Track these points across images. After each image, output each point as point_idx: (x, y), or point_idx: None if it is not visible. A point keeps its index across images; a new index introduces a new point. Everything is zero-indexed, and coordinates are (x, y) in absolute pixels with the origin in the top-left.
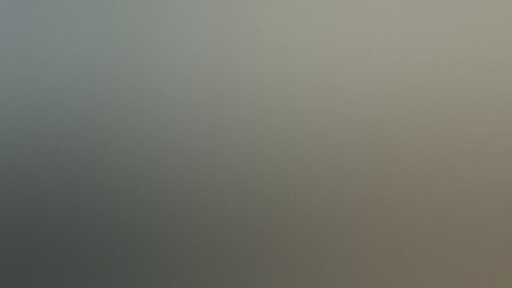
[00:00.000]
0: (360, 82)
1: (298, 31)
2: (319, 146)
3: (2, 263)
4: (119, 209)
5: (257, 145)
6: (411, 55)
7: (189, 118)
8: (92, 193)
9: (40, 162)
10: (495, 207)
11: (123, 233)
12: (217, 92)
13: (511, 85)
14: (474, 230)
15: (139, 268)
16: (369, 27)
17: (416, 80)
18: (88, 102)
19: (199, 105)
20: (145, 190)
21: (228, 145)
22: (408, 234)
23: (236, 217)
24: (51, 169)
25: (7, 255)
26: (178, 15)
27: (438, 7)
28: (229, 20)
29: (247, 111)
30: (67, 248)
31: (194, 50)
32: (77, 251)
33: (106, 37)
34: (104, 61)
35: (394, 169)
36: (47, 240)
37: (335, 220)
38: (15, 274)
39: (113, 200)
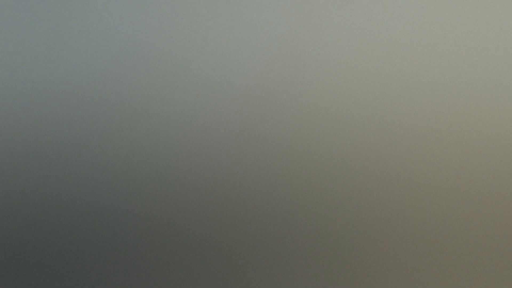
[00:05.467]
0: (358, 82)
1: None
2: (318, 146)
3: (2, 263)
4: (119, 209)
5: (256, 144)
6: (409, 57)
7: (189, 118)
8: (92, 193)
9: (40, 162)
10: (495, 207)
11: (123, 233)
12: (217, 92)
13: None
14: (474, 231)
15: (139, 268)
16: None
17: (416, 80)
18: (86, 101)
19: (199, 105)
20: (144, 190)
21: (227, 145)
22: (408, 234)
23: (236, 217)
24: (51, 168)
25: (7, 255)
26: (178, 15)
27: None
28: (230, 20)
29: (247, 111)
30: (67, 248)
31: (197, 51)
32: (77, 251)
33: (106, 36)
34: (104, 60)
35: (395, 169)
36: (48, 240)
37: (335, 220)
38: (15, 274)
39: (113, 200)
